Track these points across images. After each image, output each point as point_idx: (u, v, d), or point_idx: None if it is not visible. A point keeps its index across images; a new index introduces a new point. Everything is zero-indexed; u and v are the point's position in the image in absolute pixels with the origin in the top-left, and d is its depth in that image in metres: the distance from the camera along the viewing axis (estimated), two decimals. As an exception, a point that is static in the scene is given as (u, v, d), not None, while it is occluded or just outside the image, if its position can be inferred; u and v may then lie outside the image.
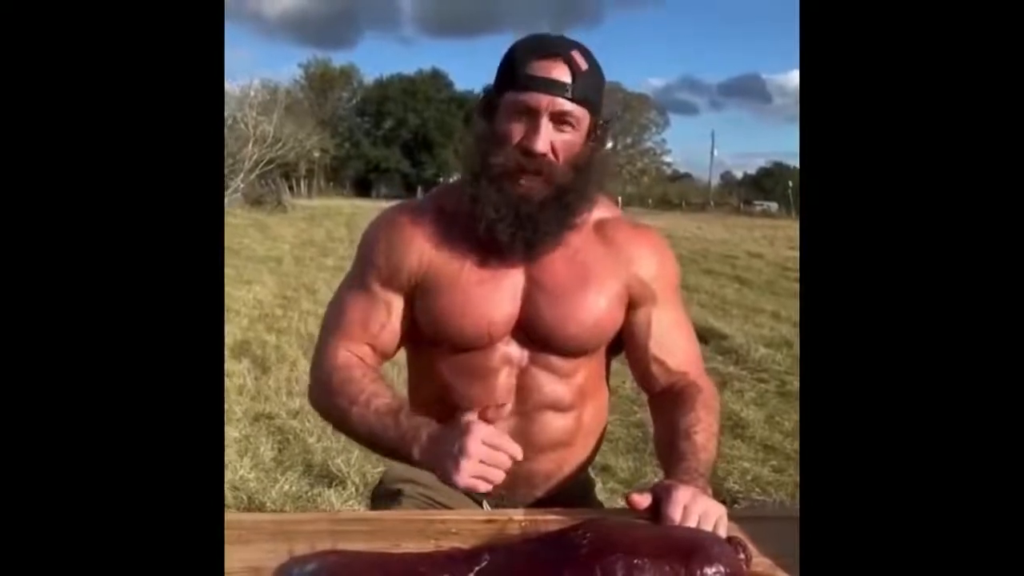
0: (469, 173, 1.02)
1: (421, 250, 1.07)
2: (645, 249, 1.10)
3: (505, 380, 1.07)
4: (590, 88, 0.99)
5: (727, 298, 7.10)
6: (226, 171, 20.80)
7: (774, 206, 32.91)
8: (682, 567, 0.69)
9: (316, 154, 25.29)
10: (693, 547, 0.72)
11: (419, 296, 1.07)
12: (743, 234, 15.55)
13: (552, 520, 0.84)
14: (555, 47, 0.98)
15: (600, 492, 1.63)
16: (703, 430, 1.01)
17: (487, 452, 0.90)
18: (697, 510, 0.84)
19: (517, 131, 0.98)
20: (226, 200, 18.55)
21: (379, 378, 1.06)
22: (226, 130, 21.40)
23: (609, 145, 1.13)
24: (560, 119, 0.98)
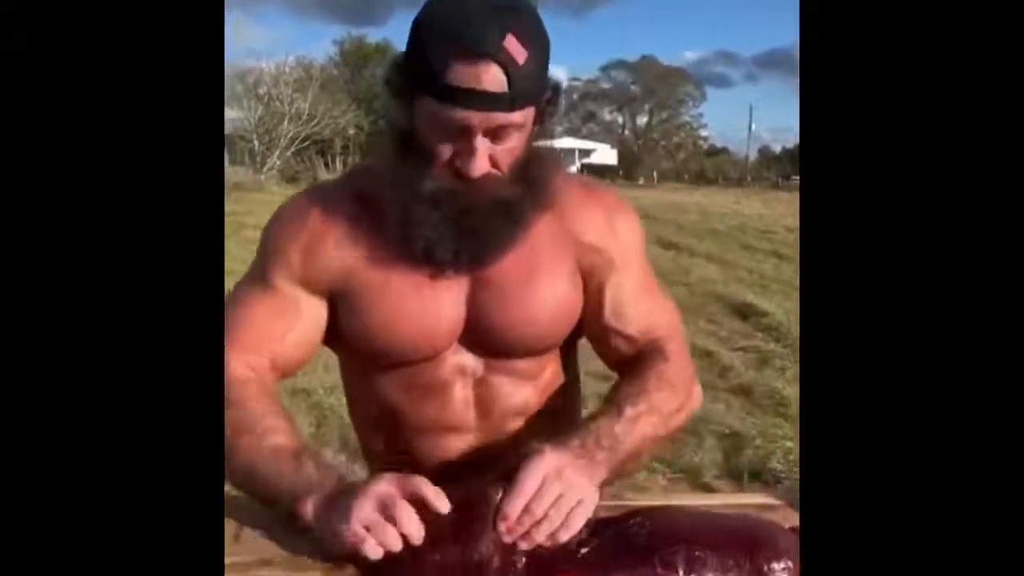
0: (394, 196, 0.84)
1: (341, 246, 0.89)
2: (594, 212, 0.94)
3: (461, 393, 0.93)
4: (533, 79, 0.78)
5: (766, 274, 6.97)
6: (262, 148, 20.99)
7: (813, 181, 32.03)
8: (747, 559, 0.65)
9: (351, 131, 25.32)
10: (758, 539, 0.67)
11: (341, 304, 0.90)
12: (781, 209, 15.27)
13: (609, 506, 0.79)
14: (481, 41, 0.74)
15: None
16: (642, 403, 0.84)
17: (375, 521, 0.70)
18: (555, 489, 0.72)
19: (445, 150, 0.80)
20: (262, 177, 18.71)
21: (278, 407, 0.86)
22: (262, 108, 21.54)
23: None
24: (498, 132, 0.79)
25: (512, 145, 0.81)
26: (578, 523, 0.72)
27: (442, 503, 0.71)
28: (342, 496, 0.73)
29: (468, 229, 0.83)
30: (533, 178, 0.85)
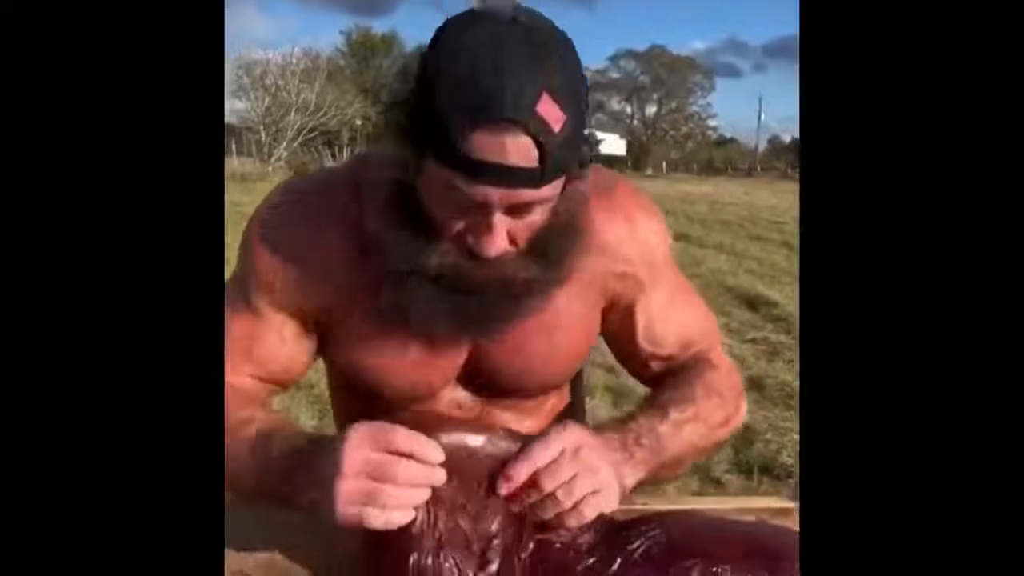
0: (392, 267, 0.72)
1: (328, 271, 0.77)
2: (617, 230, 0.82)
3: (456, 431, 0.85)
4: (569, 145, 0.64)
5: (776, 264, 6.90)
6: (269, 139, 20.95)
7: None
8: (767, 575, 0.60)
9: (358, 122, 25.24)
10: (778, 552, 0.62)
11: (328, 334, 0.81)
12: (791, 199, 15.15)
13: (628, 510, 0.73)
14: (509, 105, 0.60)
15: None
16: (689, 409, 0.78)
17: (377, 462, 0.62)
18: (570, 467, 0.64)
19: (455, 223, 0.68)
20: (269, 168, 18.68)
21: (253, 402, 0.79)
22: (269, 98, 21.49)
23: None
24: (520, 208, 0.67)
25: (534, 219, 0.69)
26: (589, 513, 0.65)
27: (435, 453, 0.64)
28: (323, 458, 0.66)
29: (473, 309, 0.72)
30: (554, 253, 0.72)
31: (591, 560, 0.65)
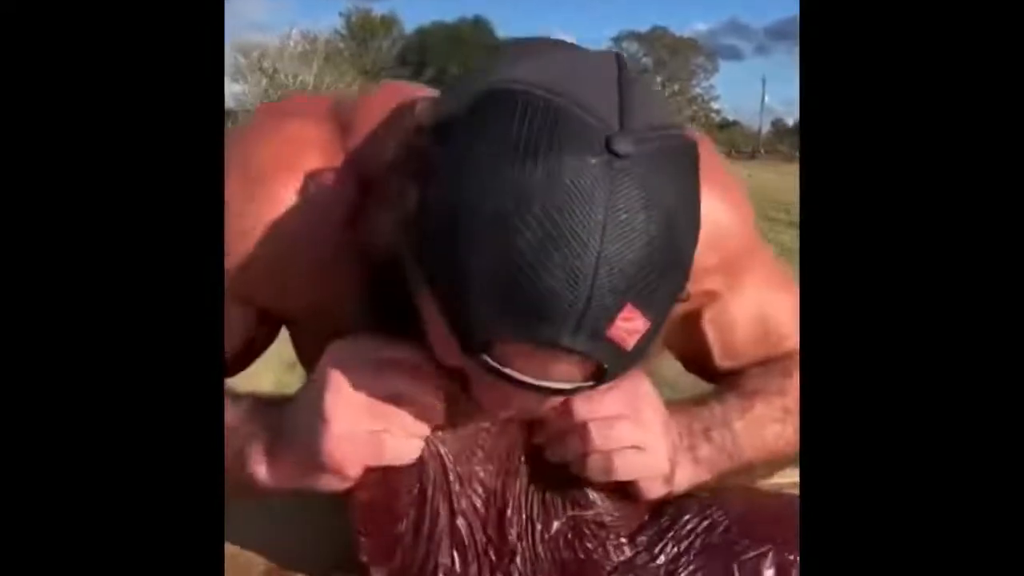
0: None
1: (313, 284, 0.58)
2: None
3: None
4: (646, 346, 0.45)
5: (784, 244, 6.76)
6: (267, 122, 20.75)
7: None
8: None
9: (357, 104, 25.07)
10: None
11: (297, 335, 0.67)
12: (795, 181, 14.99)
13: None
14: (569, 330, 0.41)
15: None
16: (776, 406, 0.62)
17: (372, 402, 0.50)
18: (616, 404, 0.50)
19: (457, 359, 0.49)
20: (268, 151, 18.51)
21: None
22: (266, 80, 21.34)
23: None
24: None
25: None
26: (621, 469, 0.51)
27: (428, 373, 0.50)
28: (301, 407, 0.52)
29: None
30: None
31: (632, 549, 0.50)
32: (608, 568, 0.51)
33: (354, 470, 0.50)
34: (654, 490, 0.54)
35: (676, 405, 0.59)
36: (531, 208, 0.39)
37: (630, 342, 0.42)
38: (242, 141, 0.59)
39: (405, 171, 0.46)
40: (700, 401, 0.62)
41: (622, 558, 0.52)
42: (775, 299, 0.69)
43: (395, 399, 0.50)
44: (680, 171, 0.43)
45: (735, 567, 0.49)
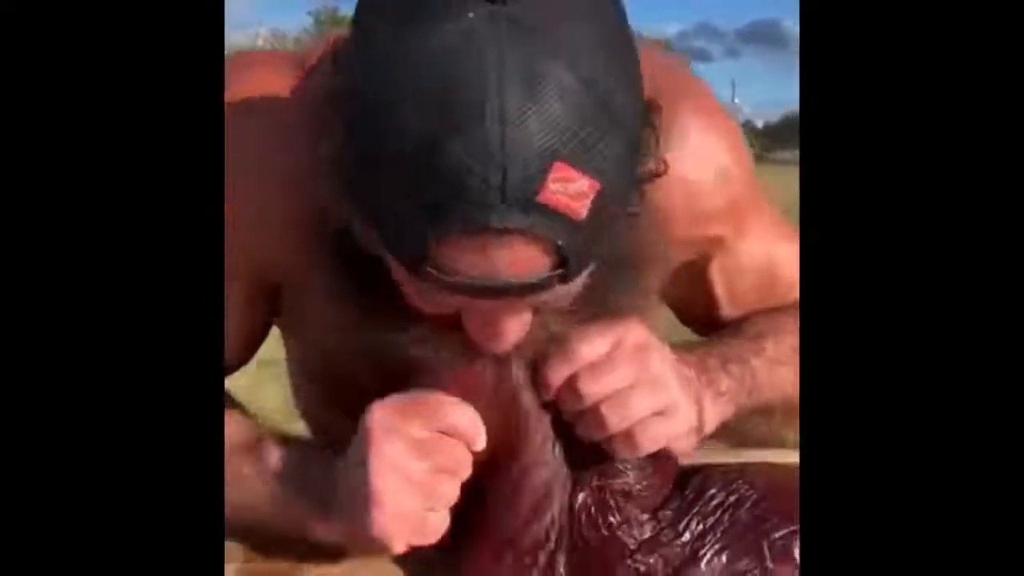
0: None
1: (279, 240, 0.56)
2: (696, 169, 0.58)
3: None
4: (609, 215, 0.42)
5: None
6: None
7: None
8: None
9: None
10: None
11: (283, 306, 0.62)
12: (767, 179, 15.11)
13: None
14: (495, 207, 0.38)
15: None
16: (786, 347, 0.58)
17: (420, 481, 0.48)
18: (627, 370, 0.47)
19: (440, 307, 0.47)
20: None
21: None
22: (236, 78, 21.12)
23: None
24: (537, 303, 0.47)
25: (562, 298, 0.47)
26: (647, 442, 0.48)
27: (479, 436, 0.48)
28: (345, 473, 0.50)
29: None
30: (612, 302, 0.51)
31: (655, 526, 0.48)
32: (631, 547, 0.49)
33: (401, 547, 0.49)
34: (687, 445, 0.51)
35: (684, 346, 0.56)
36: (418, 83, 0.37)
37: (577, 208, 0.38)
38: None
39: (329, 103, 0.45)
40: (708, 341, 0.59)
41: (645, 536, 0.50)
42: (782, 248, 0.66)
43: (439, 474, 0.49)
44: (588, 17, 0.40)
45: (765, 545, 0.47)
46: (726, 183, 0.59)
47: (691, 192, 0.58)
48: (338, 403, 0.65)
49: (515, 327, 0.46)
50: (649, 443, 0.49)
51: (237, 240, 0.54)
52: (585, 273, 0.44)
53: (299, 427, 2.24)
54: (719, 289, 0.64)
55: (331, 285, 0.52)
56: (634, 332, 0.50)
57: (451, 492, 0.48)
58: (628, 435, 0.49)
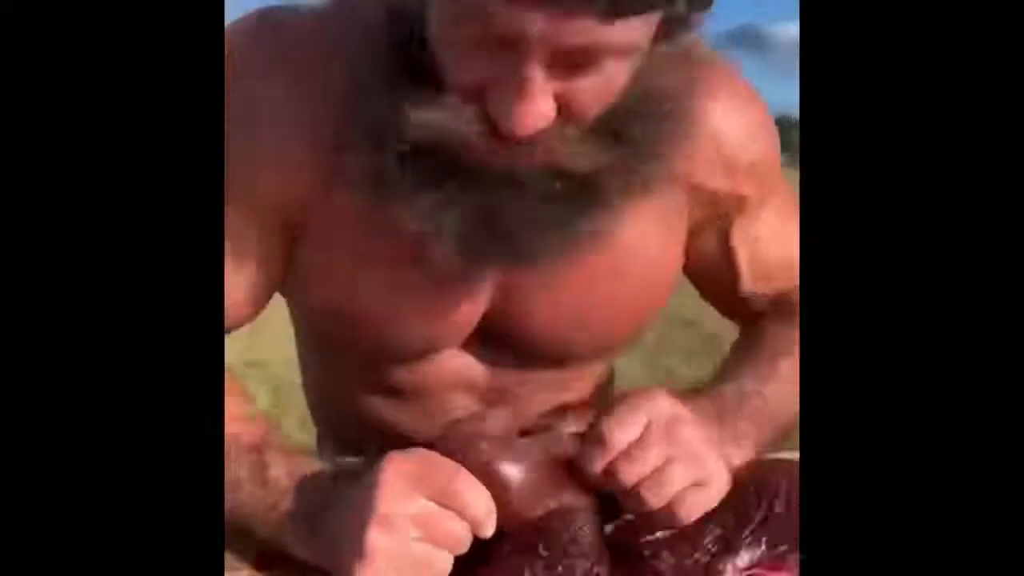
0: (371, 137, 0.50)
1: (305, 140, 0.55)
2: (721, 120, 0.58)
3: (462, 404, 0.64)
4: None
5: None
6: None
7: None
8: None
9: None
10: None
11: (300, 245, 0.59)
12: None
13: None
14: None
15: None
16: (789, 371, 0.58)
17: (417, 550, 0.46)
18: (659, 449, 0.47)
19: (472, 70, 0.46)
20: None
21: (229, 379, 0.58)
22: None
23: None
24: (576, 58, 0.44)
25: (601, 83, 0.45)
26: (686, 514, 0.48)
27: (488, 525, 0.47)
28: (333, 517, 0.49)
29: (501, 221, 0.49)
30: (639, 137, 0.49)
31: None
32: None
33: None
34: (717, 500, 0.51)
35: (696, 395, 0.56)
36: None
37: None
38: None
39: None
40: (727, 374, 0.59)
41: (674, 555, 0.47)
42: (794, 217, 0.66)
43: (437, 547, 0.47)
44: None
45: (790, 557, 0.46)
46: (754, 140, 0.61)
47: (721, 142, 0.59)
48: (348, 371, 0.66)
49: (539, 108, 0.44)
50: (687, 515, 0.49)
51: (261, 176, 0.55)
52: (634, 28, 0.43)
53: (287, 427, 2.21)
54: (742, 258, 0.65)
55: (352, 211, 0.54)
56: (661, 406, 0.50)
57: (444, 566, 0.47)
58: (669, 511, 0.49)
